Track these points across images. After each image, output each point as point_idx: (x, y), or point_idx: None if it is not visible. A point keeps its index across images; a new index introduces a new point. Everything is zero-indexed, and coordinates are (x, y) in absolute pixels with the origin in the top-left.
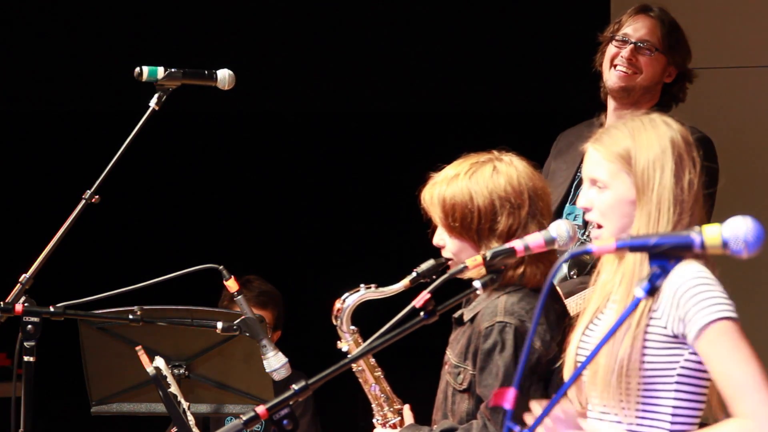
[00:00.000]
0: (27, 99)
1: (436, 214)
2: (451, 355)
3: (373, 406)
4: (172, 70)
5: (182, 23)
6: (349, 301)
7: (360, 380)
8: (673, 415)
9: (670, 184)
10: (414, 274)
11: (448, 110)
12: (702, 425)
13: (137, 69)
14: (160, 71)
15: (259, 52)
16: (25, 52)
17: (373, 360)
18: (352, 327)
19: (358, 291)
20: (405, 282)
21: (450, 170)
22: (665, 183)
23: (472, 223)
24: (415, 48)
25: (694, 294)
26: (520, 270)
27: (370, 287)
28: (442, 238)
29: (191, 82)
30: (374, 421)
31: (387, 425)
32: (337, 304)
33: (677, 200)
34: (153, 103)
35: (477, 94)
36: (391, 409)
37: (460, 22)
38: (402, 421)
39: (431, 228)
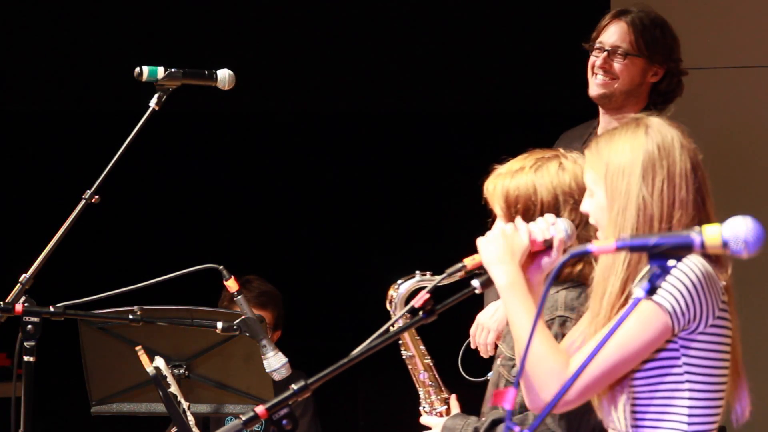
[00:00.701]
0: (27, 99)
1: (498, 204)
2: (504, 348)
3: (420, 393)
4: (172, 70)
5: (182, 23)
6: (403, 287)
7: (409, 366)
8: (690, 415)
9: (636, 191)
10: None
11: (448, 111)
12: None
13: (137, 69)
14: (160, 71)
15: (259, 52)
16: (25, 52)
17: (423, 347)
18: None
19: (413, 277)
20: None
21: (515, 163)
22: (631, 190)
23: (533, 216)
24: (414, 48)
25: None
26: (579, 267)
27: (425, 274)
28: None
29: (191, 82)
30: (421, 408)
31: (433, 413)
32: (391, 291)
33: (641, 208)
34: (153, 103)
35: (477, 94)
36: (439, 397)
37: (459, 22)
38: (448, 410)
39: (491, 218)
